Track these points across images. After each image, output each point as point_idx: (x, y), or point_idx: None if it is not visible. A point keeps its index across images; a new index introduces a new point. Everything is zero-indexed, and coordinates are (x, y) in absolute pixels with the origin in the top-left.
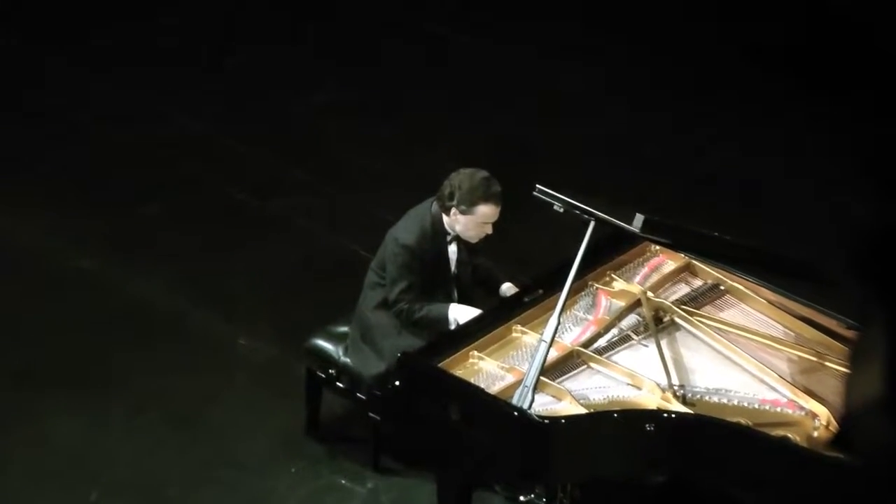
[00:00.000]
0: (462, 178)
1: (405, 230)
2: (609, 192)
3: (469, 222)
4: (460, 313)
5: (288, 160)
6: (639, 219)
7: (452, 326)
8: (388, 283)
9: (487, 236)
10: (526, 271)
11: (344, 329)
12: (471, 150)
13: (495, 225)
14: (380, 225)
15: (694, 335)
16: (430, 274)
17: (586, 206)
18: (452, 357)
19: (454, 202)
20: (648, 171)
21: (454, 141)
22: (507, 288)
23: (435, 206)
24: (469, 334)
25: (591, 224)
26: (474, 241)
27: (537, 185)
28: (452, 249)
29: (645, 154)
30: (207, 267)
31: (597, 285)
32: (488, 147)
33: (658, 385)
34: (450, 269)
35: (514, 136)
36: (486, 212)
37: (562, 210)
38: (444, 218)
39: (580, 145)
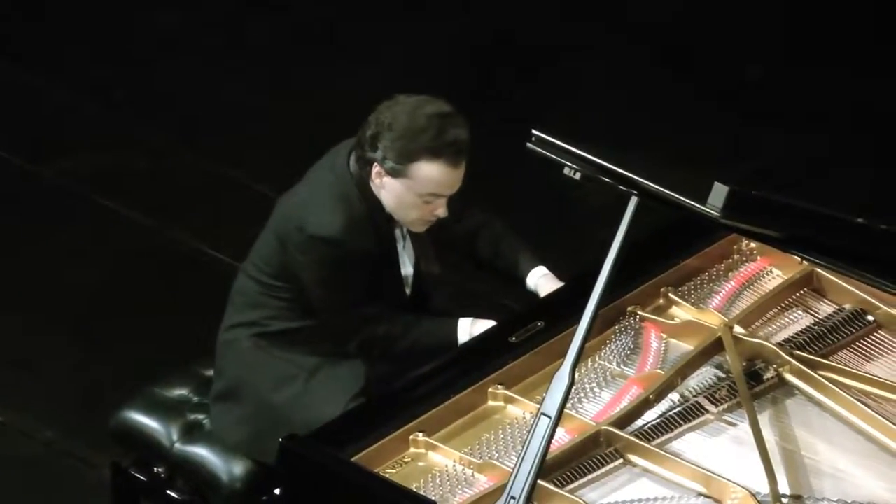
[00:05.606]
0: (397, 111)
1: (318, 212)
2: (662, 147)
3: (404, 192)
4: (476, 330)
5: (81, 93)
6: (720, 191)
7: None
8: (317, 301)
9: (440, 222)
10: (512, 289)
11: (182, 392)
12: (418, 63)
13: (454, 201)
14: (249, 200)
15: (820, 405)
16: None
17: (623, 167)
18: (380, 443)
19: (378, 153)
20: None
21: (392, 48)
22: (541, 280)
23: (354, 162)
24: (409, 403)
25: (633, 201)
26: (417, 227)
27: (533, 132)
28: (401, 240)
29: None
30: None
31: (642, 314)
32: (438, 55)
33: (753, 496)
34: (399, 271)
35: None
36: (434, 175)
37: (576, 175)
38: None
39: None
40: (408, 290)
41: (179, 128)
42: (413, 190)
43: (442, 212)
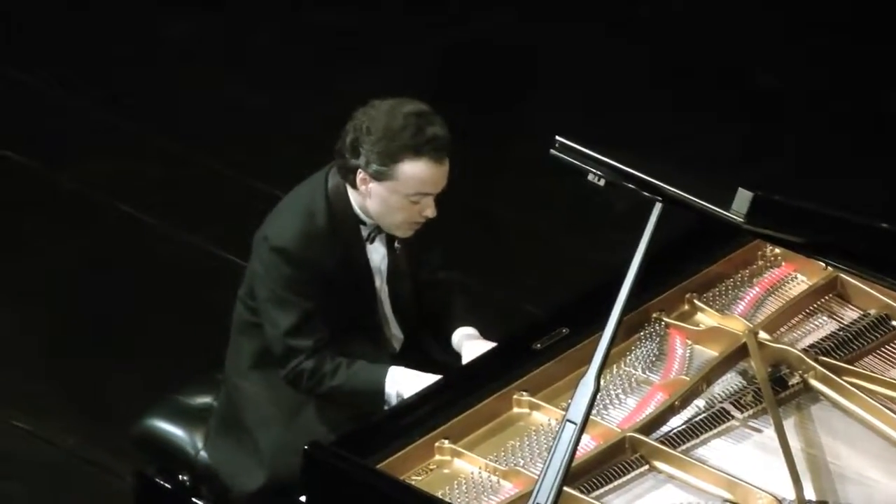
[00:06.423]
0: (374, 114)
1: (281, 222)
2: (683, 149)
3: (389, 195)
4: (407, 381)
5: (102, 100)
6: (744, 197)
7: (394, 402)
8: (264, 320)
9: (428, 224)
10: (534, 296)
11: (205, 400)
12: (420, 65)
13: (442, 199)
14: (270, 206)
15: (845, 410)
16: (336, 301)
17: (648, 174)
18: (405, 451)
19: (360, 159)
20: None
21: (396, 56)
22: (465, 339)
23: (335, 176)
24: (433, 410)
25: (657, 207)
26: (404, 231)
27: (557, 138)
28: (377, 252)
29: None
30: None
31: (667, 320)
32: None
33: (779, 502)
34: (373, 289)
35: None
36: (419, 173)
37: (600, 181)
38: (352, 195)
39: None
40: (385, 308)
41: (198, 133)
42: (399, 191)
43: (430, 212)
